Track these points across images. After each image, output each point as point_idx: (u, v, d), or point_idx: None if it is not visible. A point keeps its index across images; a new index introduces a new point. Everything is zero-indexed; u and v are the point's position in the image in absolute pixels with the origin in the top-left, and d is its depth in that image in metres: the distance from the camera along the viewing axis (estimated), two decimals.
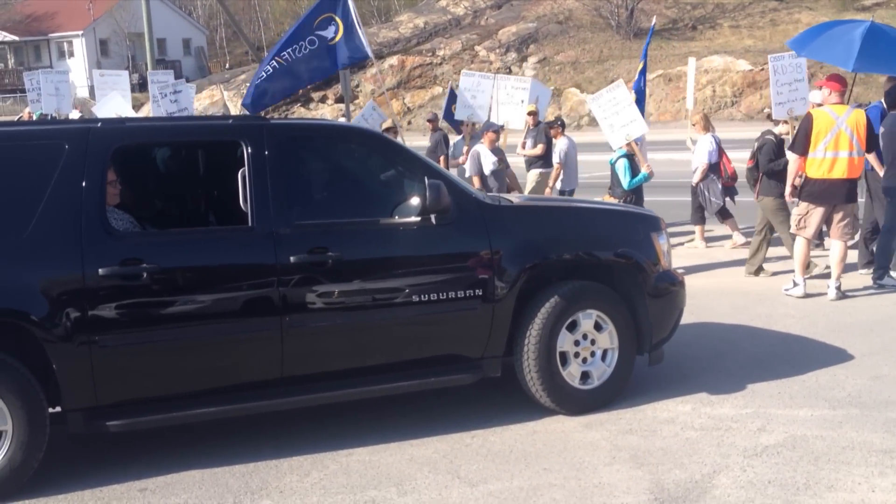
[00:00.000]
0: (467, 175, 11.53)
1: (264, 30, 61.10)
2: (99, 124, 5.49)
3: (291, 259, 5.32)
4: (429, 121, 15.32)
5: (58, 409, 5.12)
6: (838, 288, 8.92)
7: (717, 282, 10.02)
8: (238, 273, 5.38)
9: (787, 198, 9.35)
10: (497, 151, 11.61)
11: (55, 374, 4.95)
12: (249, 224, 5.36)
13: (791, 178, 8.91)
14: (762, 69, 27.24)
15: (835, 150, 8.57)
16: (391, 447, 5.53)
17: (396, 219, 5.68)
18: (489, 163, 11.42)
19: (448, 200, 5.56)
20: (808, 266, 9.28)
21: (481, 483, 5.01)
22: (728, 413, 5.91)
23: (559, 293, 5.85)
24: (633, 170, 10.25)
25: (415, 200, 5.63)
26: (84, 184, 5.09)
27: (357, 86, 40.78)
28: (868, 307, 8.60)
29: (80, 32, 55.99)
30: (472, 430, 5.76)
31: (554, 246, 5.99)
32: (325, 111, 40.17)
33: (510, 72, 40.21)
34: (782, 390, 6.29)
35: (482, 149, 11.48)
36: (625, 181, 10.19)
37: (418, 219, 5.62)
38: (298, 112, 40.72)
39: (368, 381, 5.63)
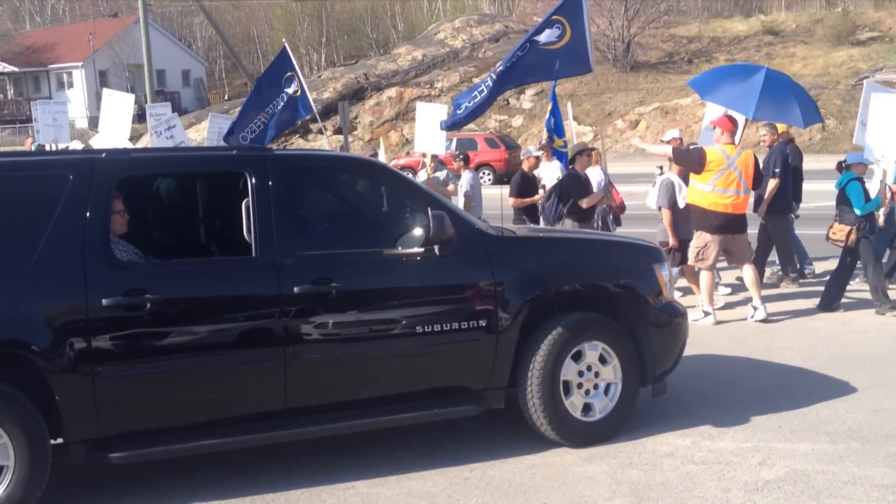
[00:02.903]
0: (657, 206, 10.57)
1: (263, 62, 61.36)
2: (103, 155, 5.50)
3: (295, 290, 5.32)
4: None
5: (59, 440, 5.09)
6: (756, 308, 9.41)
7: (715, 314, 9.99)
8: (241, 304, 5.38)
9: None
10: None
11: (58, 405, 4.93)
12: (253, 255, 5.37)
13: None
14: None
15: (724, 187, 9.20)
16: (389, 480, 5.49)
17: (400, 249, 5.68)
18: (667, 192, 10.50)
19: (451, 231, 5.57)
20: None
21: None
22: (728, 447, 5.87)
23: (563, 324, 5.86)
24: (866, 194, 9.90)
25: (418, 231, 5.64)
26: (88, 214, 5.11)
27: (356, 117, 40.96)
28: (867, 340, 8.59)
29: (80, 64, 56.22)
30: (471, 463, 5.73)
31: (557, 277, 6.00)
32: (323, 142, 40.30)
33: (508, 104, 40.46)
34: (783, 424, 6.26)
35: (674, 177, 10.28)
36: (858, 206, 9.74)
37: (422, 249, 5.63)
38: (297, 143, 40.85)
39: (372, 413, 5.61)
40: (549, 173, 12.04)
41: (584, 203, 10.36)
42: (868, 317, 9.51)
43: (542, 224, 11.11)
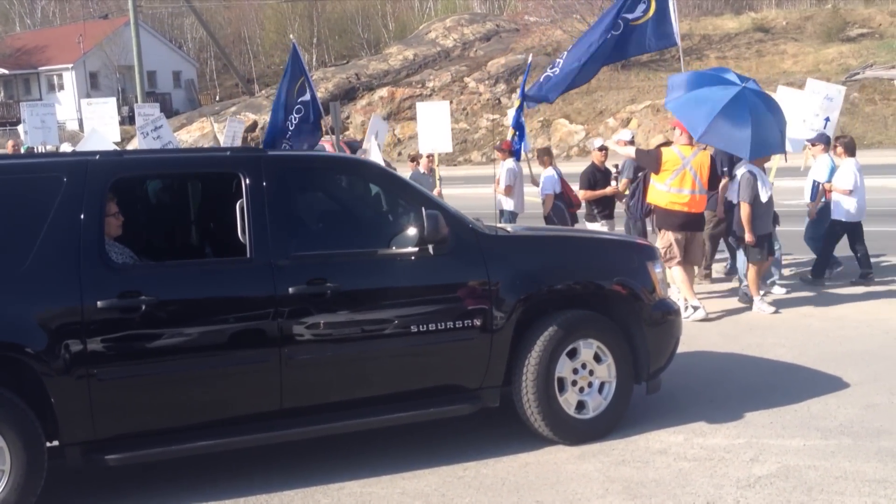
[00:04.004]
0: (736, 200, 10.06)
1: (254, 62, 61.38)
2: (97, 157, 5.50)
3: (290, 290, 5.32)
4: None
5: (55, 443, 5.09)
6: (695, 308, 9.51)
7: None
8: (236, 305, 5.39)
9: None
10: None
11: (53, 407, 4.93)
12: (248, 255, 5.37)
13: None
14: None
15: (679, 187, 9.43)
16: (383, 480, 5.50)
17: (394, 249, 5.70)
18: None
19: (446, 230, 5.58)
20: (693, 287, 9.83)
21: None
22: (721, 443, 5.89)
23: (558, 322, 5.88)
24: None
25: (412, 231, 5.65)
26: (82, 216, 5.11)
27: (347, 117, 40.92)
28: (859, 336, 8.62)
29: (70, 65, 56.04)
30: (464, 462, 5.74)
31: (551, 275, 6.02)
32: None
33: (499, 103, 40.47)
34: (774, 420, 6.29)
35: (755, 170, 9.91)
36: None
37: (416, 249, 5.64)
38: None
39: (367, 413, 5.62)
40: (517, 170, 12.41)
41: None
42: (860, 314, 9.54)
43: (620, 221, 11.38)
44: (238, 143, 14.99)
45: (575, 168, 22.31)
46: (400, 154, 38.04)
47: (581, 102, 38.82)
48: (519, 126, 13.02)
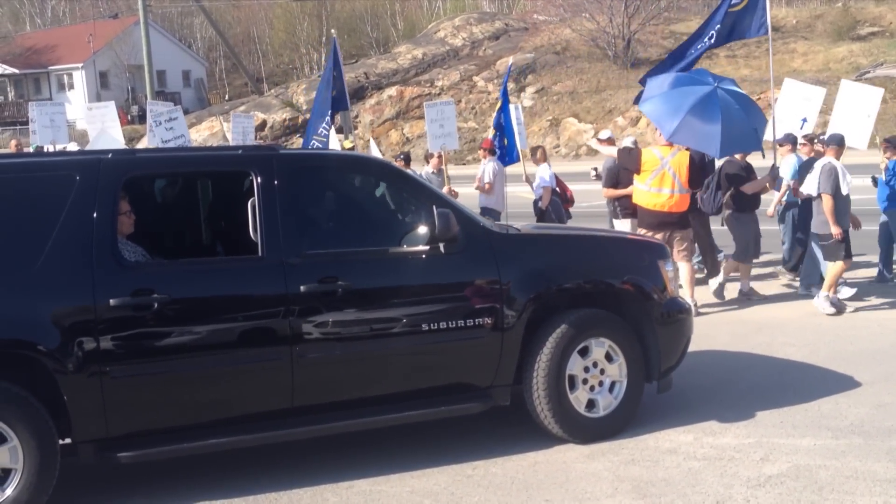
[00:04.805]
0: (816, 192, 9.67)
1: (263, 61, 61.46)
2: (110, 155, 5.52)
3: (301, 289, 5.33)
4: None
5: (67, 440, 5.10)
6: (695, 305, 9.40)
7: (716, 311, 9.99)
8: (248, 303, 5.40)
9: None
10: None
11: (66, 405, 4.95)
12: (260, 254, 5.39)
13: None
14: (759, 98, 27.34)
15: (658, 186, 9.50)
16: (392, 479, 5.50)
17: (405, 248, 5.70)
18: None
19: (457, 229, 5.59)
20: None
21: None
22: (731, 443, 5.88)
23: (569, 321, 5.88)
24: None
25: (423, 229, 5.66)
26: (95, 215, 5.12)
27: (356, 116, 40.94)
28: (869, 335, 8.60)
29: (80, 65, 56.20)
30: (473, 461, 5.73)
31: (562, 274, 6.02)
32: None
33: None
34: (785, 419, 6.27)
35: (836, 163, 9.58)
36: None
37: (427, 248, 5.65)
38: (298, 143, 40.85)
39: (378, 411, 5.64)
40: (496, 169, 12.49)
41: (748, 189, 10.27)
42: (870, 312, 9.51)
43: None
44: (251, 139, 15.02)
45: (583, 167, 22.26)
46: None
47: (590, 101, 38.79)
48: (500, 127, 13.32)
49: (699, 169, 9.87)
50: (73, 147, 17.44)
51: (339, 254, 5.61)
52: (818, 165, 9.63)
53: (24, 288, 4.93)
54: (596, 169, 11.73)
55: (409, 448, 5.97)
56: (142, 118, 24.78)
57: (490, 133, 13.55)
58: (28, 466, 4.81)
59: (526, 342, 5.85)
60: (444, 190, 12.44)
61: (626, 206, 11.24)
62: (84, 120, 20.31)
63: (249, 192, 5.51)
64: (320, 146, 12.81)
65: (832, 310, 9.53)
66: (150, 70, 34.89)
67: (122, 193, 5.36)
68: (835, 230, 9.32)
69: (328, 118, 13.09)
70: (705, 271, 11.50)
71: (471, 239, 5.77)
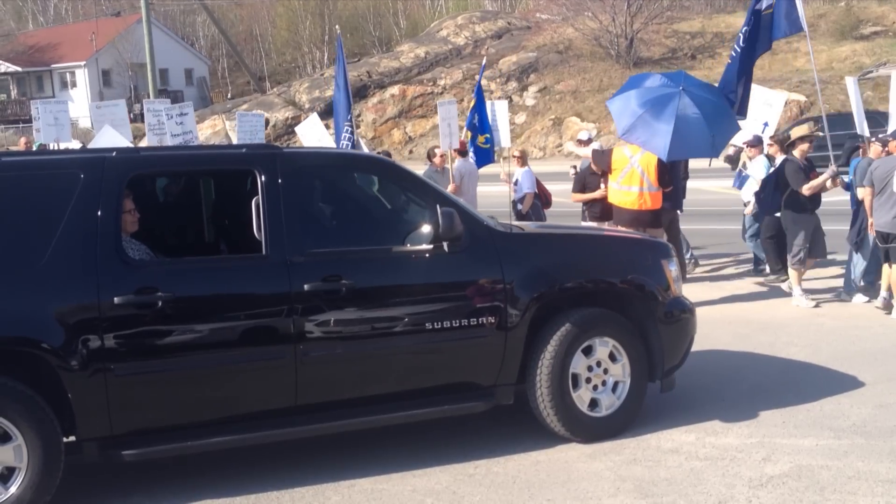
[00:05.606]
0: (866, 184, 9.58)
1: (266, 60, 61.45)
2: (114, 153, 5.52)
3: (305, 287, 5.34)
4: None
5: (71, 438, 5.11)
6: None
7: (718, 310, 9.99)
8: (252, 301, 5.41)
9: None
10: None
11: (70, 403, 4.96)
12: (263, 252, 5.40)
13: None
14: None
15: (628, 184, 9.77)
16: (393, 478, 5.50)
17: (409, 246, 5.71)
18: None
19: (461, 228, 5.59)
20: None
21: None
22: (733, 443, 5.88)
23: (572, 320, 5.88)
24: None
25: (427, 228, 5.67)
26: (99, 213, 5.13)
27: (358, 115, 40.94)
28: (872, 335, 8.59)
29: (83, 63, 56.21)
30: (475, 460, 5.74)
31: (565, 273, 6.03)
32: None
33: (511, 101, 40.43)
34: (787, 419, 6.26)
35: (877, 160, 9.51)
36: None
37: (431, 246, 5.65)
38: (298, 141, 40.86)
39: (382, 410, 5.64)
40: (464, 170, 12.57)
41: (807, 190, 10.05)
42: (873, 312, 9.50)
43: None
44: (260, 138, 14.98)
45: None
46: (411, 152, 38.12)
47: (593, 100, 38.76)
48: (474, 127, 13.34)
49: (666, 168, 9.90)
50: (76, 145, 17.43)
51: (342, 252, 5.61)
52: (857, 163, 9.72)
53: (28, 285, 4.94)
54: (575, 167, 11.84)
55: (411, 447, 5.97)
56: (143, 116, 24.74)
57: (464, 134, 13.54)
58: (32, 464, 4.82)
59: (529, 341, 5.85)
60: (449, 189, 12.47)
61: (594, 210, 11.26)
62: (90, 118, 20.24)
63: (253, 191, 5.51)
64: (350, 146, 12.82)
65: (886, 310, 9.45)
66: (153, 68, 34.95)
67: (127, 191, 5.37)
68: (871, 221, 9.36)
69: (349, 119, 13.10)
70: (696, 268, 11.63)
71: (474, 238, 5.78)
